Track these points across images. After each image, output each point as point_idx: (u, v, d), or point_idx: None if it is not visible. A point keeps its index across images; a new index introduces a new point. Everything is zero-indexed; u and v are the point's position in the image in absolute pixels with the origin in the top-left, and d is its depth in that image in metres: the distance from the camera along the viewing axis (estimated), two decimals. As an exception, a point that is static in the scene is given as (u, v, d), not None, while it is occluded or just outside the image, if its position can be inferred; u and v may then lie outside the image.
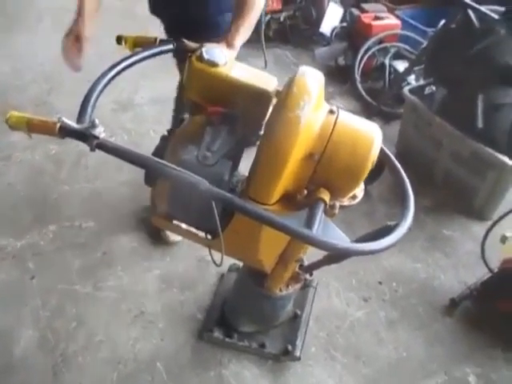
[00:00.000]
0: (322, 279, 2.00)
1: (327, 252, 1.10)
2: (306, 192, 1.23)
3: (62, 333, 1.80)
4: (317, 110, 1.12)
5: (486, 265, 1.92)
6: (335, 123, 1.14)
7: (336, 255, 1.48)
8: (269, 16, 3.80)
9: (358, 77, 3.16)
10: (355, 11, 3.45)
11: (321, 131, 1.13)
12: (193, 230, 1.34)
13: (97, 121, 1.02)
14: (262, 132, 1.24)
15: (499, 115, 2.15)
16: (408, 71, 2.39)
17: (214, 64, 1.18)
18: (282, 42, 3.81)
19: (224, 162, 1.15)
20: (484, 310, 1.95)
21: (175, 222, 1.33)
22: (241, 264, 1.79)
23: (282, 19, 3.91)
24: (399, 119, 2.81)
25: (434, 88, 2.62)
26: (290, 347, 1.73)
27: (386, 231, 1.16)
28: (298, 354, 1.73)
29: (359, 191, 1.30)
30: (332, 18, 3.66)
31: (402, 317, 1.94)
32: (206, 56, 1.18)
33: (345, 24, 3.60)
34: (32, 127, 1.02)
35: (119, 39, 1.41)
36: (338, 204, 1.23)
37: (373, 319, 1.93)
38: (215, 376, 1.71)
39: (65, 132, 1.00)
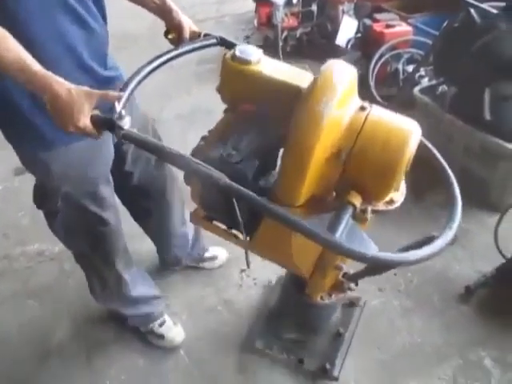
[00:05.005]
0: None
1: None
2: (334, 194, 1.16)
3: (95, 323, 1.95)
4: (343, 106, 1.04)
5: (499, 251, 1.95)
6: (366, 119, 1.05)
7: (379, 267, 1.30)
8: (286, 32, 3.99)
9: (372, 83, 3.25)
10: (368, 21, 3.57)
11: (349, 127, 1.05)
12: (230, 230, 1.25)
13: (123, 112, 1.03)
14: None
15: (506, 107, 2.20)
16: (415, 71, 2.48)
17: (246, 62, 1.14)
18: (299, 56, 3.94)
19: (249, 161, 1.10)
20: (500, 296, 1.97)
21: (215, 222, 1.28)
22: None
23: (298, 35, 4.09)
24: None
25: (445, 87, 2.69)
26: (328, 366, 1.72)
27: (428, 242, 1.02)
28: (336, 374, 1.72)
29: (398, 195, 1.17)
30: (347, 31, 3.79)
31: (417, 305, 1.98)
32: (238, 54, 1.15)
33: (359, 35, 3.72)
34: None
35: (167, 32, 1.41)
36: (369, 208, 1.13)
37: (388, 308, 1.98)
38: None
39: (95, 121, 1.04)
